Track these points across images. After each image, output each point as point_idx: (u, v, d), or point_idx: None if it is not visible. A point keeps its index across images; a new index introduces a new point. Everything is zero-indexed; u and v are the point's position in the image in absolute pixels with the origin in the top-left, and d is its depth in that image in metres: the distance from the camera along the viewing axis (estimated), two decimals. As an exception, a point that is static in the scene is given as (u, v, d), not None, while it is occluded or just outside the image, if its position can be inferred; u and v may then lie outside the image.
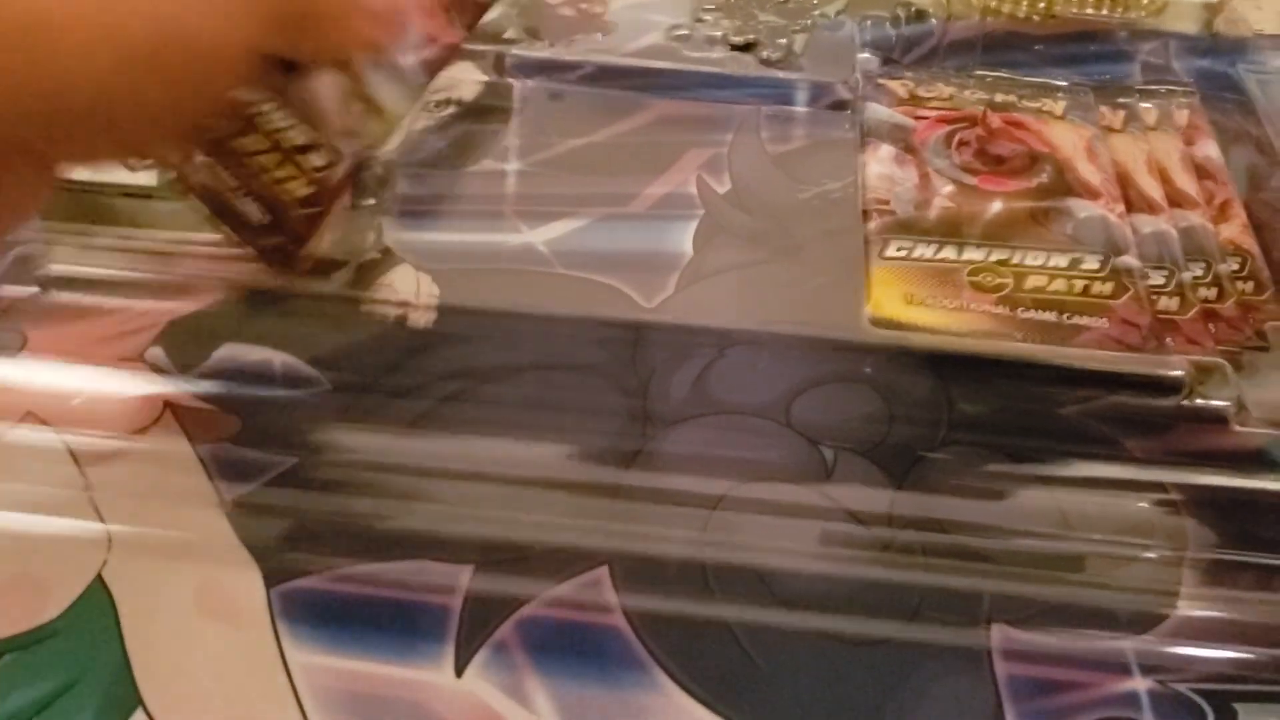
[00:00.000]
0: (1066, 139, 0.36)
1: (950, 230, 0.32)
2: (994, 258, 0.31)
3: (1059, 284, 0.31)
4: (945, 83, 0.38)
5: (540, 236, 0.33)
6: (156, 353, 0.30)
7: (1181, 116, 0.38)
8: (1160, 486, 0.28)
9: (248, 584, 0.27)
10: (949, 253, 0.32)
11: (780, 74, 0.39)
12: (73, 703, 0.25)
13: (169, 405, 0.30)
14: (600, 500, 0.28)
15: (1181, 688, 0.26)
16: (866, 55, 0.40)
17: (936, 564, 0.27)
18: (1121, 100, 0.38)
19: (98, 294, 0.31)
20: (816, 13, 0.41)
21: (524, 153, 0.36)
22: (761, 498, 0.28)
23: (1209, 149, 0.37)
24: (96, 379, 0.30)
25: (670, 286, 0.32)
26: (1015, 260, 0.31)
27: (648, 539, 0.28)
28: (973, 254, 0.32)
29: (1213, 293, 0.32)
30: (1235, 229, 0.34)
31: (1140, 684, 0.26)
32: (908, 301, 0.30)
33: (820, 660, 0.26)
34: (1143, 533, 0.28)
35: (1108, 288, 0.31)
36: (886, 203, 0.33)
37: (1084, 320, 0.30)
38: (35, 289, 0.32)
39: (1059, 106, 0.37)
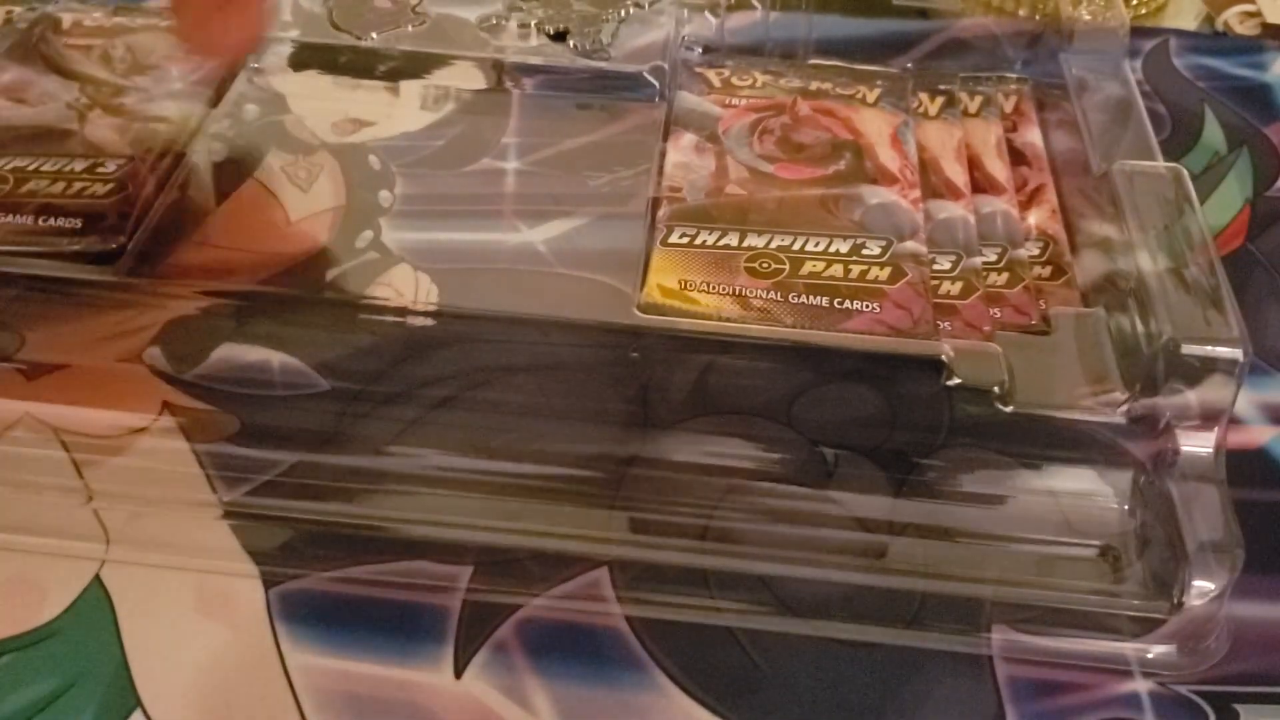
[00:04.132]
0: (873, 126, 0.36)
1: (737, 217, 0.32)
2: (774, 244, 0.31)
3: (835, 269, 0.30)
4: (761, 71, 0.38)
5: (539, 236, 0.33)
6: (155, 353, 0.30)
7: (1009, 103, 0.38)
8: (1157, 488, 0.28)
9: (246, 585, 0.27)
10: (731, 239, 0.31)
11: (590, 63, 0.38)
12: (71, 704, 0.25)
13: (167, 405, 0.30)
14: (600, 504, 0.28)
15: (1183, 689, 0.26)
16: (683, 43, 0.39)
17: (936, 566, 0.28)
18: (942, 87, 0.38)
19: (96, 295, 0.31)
20: (630, 2, 0.40)
21: (523, 152, 0.36)
22: (761, 501, 0.28)
23: (1031, 135, 0.37)
24: (94, 379, 0.30)
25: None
26: (796, 247, 0.31)
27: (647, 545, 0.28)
28: (754, 240, 0.31)
29: (1003, 278, 0.32)
30: (1044, 214, 0.34)
31: (1141, 685, 0.26)
32: (682, 287, 0.30)
33: (821, 661, 0.26)
34: (1142, 534, 0.28)
35: (885, 273, 0.30)
36: (679, 190, 0.33)
37: (856, 305, 0.30)
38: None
39: (873, 94, 0.37)
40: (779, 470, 0.29)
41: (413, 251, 0.32)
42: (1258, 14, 0.46)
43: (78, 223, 0.31)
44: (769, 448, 0.30)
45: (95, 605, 0.27)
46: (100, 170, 0.32)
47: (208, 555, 0.27)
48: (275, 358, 0.30)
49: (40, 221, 0.31)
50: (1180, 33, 0.45)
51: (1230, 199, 0.39)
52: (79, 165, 0.32)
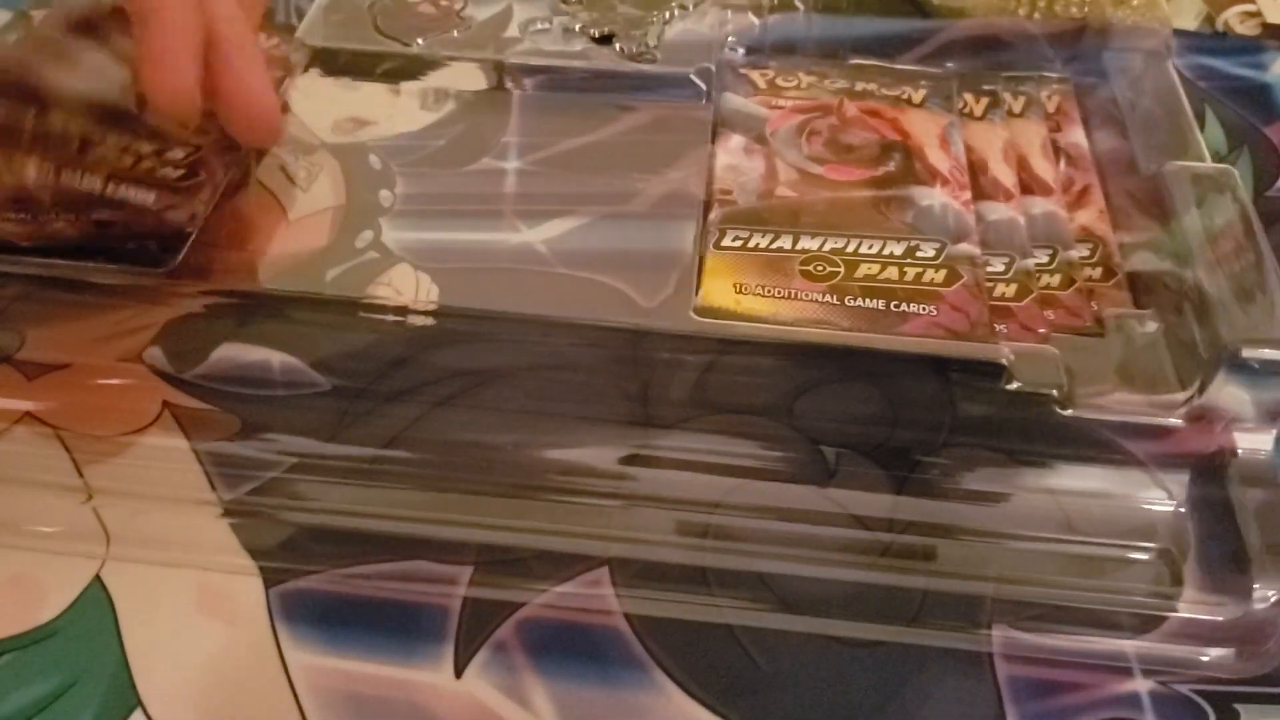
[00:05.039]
0: (921, 127, 0.35)
1: (789, 220, 0.32)
2: (828, 247, 0.31)
3: (891, 272, 0.30)
4: (806, 72, 0.38)
5: (539, 236, 0.33)
6: (155, 352, 0.30)
7: (1052, 103, 0.38)
8: (1163, 489, 0.28)
9: (246, 585, 0.27)
10: (784, 242, 0.31)
11: (636, 66, 0.38)
12: (71, 703, 0.25)
13: (167, 405, 0.30)
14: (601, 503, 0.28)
15: (1183, 688, 0.26)
16: (728, 45, 0.39)
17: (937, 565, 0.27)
18: (986, 88, 0.38)
19: (96, 294, 0.31)
20: (675, 4, 0.40)
21: (523, 152, 0.36)
22: (762, 499, 0.28)
23: (1075, 135, 0.37)
24: (95, 379, 0.30)
25: (670, 285, 0.32)
26: (850, 249, 0.31)
27: (648, 543, 0.28)
28: (807, 243, 0.31)
29: (1055, 279, 0.31)
30: (1091, 215, 0.34)
31: (1141, 685, 0.26)
32: (737, 291, 0.30)
33: (822, 661, 0.26)
34: (1144, 534, 0.28)
35: (940, 275, 0.30)
36: (730, 193, 0.33)
37: (912, 308, 0.29)
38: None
39: (919, 95, 0.37)
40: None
41: (413, 251, 0.32)
42: (1258, 14, 0.46)
43: (150, 197, 0.30)
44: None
45: (95, 605, 0.27)
46: (168, 155, 0.31)
47: (208, 554, 0.27)
48: (275, 357, 0.30)
49: (109, 189, 0.29)
50: (1180, 33, 0.45)
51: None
52: (146, 147, 0.30)
